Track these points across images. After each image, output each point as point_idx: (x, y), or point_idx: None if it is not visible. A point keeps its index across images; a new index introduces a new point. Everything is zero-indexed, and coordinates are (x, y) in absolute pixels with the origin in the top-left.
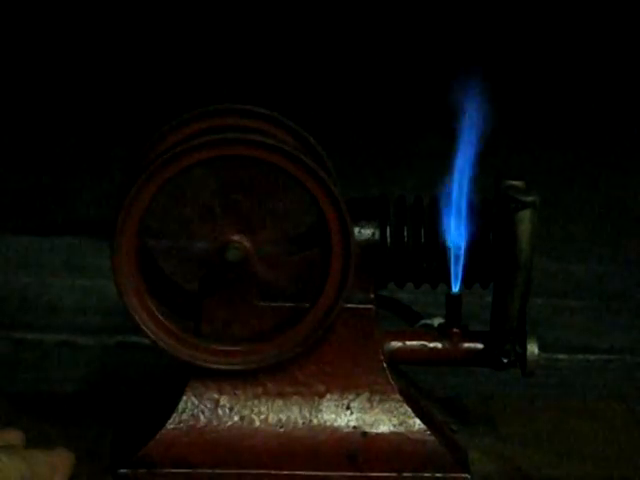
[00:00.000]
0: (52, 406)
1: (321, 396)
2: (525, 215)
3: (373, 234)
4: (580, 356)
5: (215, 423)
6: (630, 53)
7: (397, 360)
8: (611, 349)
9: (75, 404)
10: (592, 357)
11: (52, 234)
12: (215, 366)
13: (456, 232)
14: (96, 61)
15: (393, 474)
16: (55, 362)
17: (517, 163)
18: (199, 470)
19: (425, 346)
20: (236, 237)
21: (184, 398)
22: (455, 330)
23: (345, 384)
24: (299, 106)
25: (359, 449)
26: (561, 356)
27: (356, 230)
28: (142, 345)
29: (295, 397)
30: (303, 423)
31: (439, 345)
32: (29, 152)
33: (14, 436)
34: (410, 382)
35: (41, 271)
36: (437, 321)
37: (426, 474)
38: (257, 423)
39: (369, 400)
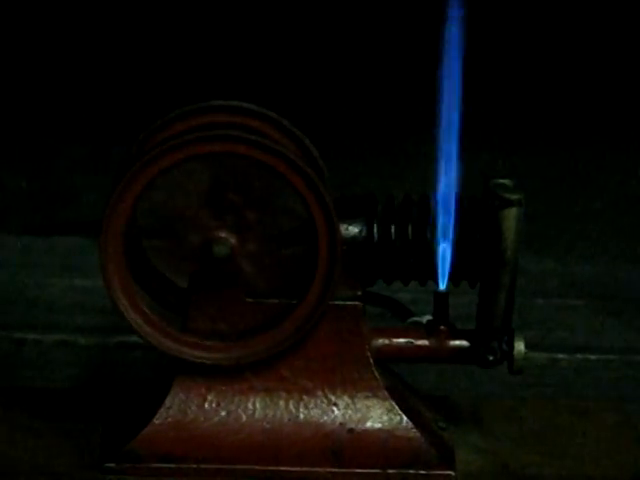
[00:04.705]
0: (48, 403)
1: (308, 392)
2: (510, 213)
3: (360, 231)
4: (580, 356)
5: (202, 419)
6: (628, 48)
7: (384, 357)
8: (611, 349)
9: (72, 401)
10: (592, 357)
11: (52, 234)
12: (202, 361)
13: (443, 230)
14: (97, 62)
15: (378, 470)
16: (55, 362)
17: (517, 163)
18: (185, 465)
19: (412, 343)
20: (223, 233)
21: (171, 393)
22: (442, 327)
23: (332, 380)
24: (298, 104)
25: (345, 445)
26: (561, 356)
27: (343, 227)
28: (141, 345)
29: (282, 393)
30: (289, 419)
31: (426, 342)
32: (29, 152)
33: None
34: (399, 379)
35: (41, 271)
36: (426, 318)
37: (411, 471)
38: (244, 419)
39: (355, 397)
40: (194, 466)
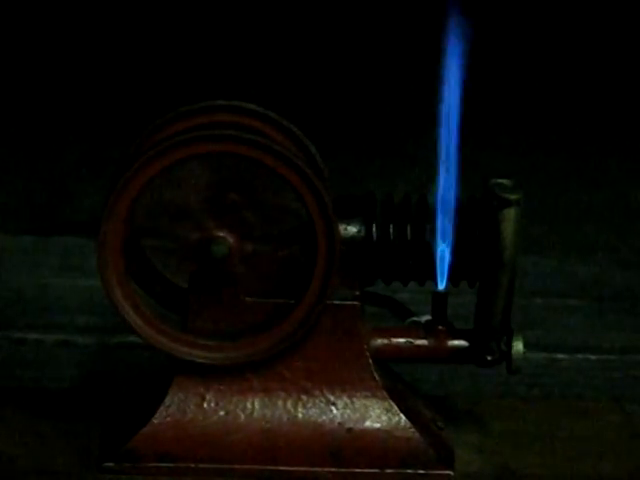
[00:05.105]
0: (48, 403)
1: (306, 392)
2: (508, 213)
3: (359, 231)
4: (580, 356)
5: (201, 418)
6: (627, 49)
7: (382, 357)
8: (611, 349)
9: (72, 401)
10: (592, 357)
11: (52, 234)
12: (201, 361)
13: (442, 230)
14: (97, 62)
15: (376, 470)
16: (55, 362)
17: (516, 163)
18: (183, 464)
19: (411, 343)
20: (221, 233)
21: (170, 393)
22: (441, 327)
23: (330, 380)
24: (298, 104)
25: (343, 445)
26: (561, 356)
27: (342, 227)
28: (141, 345)
29: (280, 393)
30: (288, 419)
31: (425, 342)
32: (29, 152)
33: None
34: (398, 379)
35: (41, 271)
36: (425, 318)
37: (409, 471)
38: (242, 418)
39: (354, 396)
40: (193, 465)
